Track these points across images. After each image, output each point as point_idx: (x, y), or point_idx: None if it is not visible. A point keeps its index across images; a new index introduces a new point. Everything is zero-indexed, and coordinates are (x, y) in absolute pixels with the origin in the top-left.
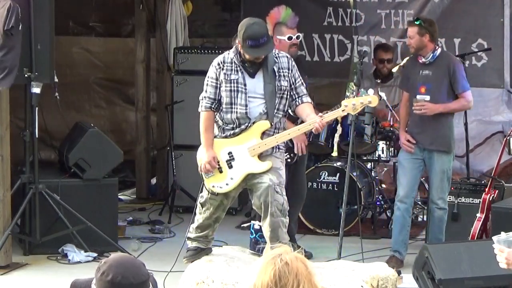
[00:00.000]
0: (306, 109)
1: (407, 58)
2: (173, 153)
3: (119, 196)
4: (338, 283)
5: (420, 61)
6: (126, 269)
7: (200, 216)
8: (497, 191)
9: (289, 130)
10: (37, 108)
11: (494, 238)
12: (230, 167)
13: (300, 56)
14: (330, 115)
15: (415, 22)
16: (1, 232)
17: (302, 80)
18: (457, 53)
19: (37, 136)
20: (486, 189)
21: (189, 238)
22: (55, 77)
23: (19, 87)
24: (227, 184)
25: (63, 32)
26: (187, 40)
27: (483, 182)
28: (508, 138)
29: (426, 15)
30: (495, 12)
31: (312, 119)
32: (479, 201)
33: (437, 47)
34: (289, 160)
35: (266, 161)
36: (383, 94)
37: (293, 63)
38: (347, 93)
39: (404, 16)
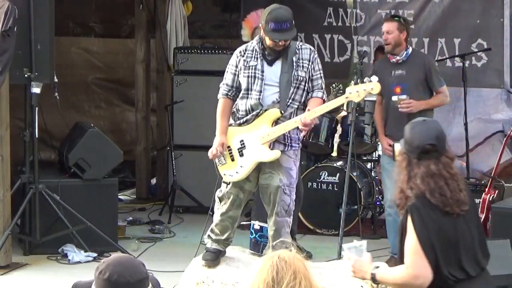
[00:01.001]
0: (310, 105)
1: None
2: (173, 153)
3: (119, 196)
4: (338, 283)
5: (392, 60)
6: (123, 268)
7: (217, 212)
8: (497, 191)
9: (295, 118)
10: (37, 108)
11: (345, 245)
12: (241, 155)
13: None
14: (333, 102)
15: (395, 18)
16: (1, 232)
17: (321, 74)
18: (457, 53)
19: (37, 136)
20: (486, 189)
21: (209, 237)
22: (55, 77)
23: (19, 87)
24: (237, 172)
25: (63, 32)
26: (187, 40)
27: (483, 182)
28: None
29: (427, 15)
30: (495, 12)
31: (301, 116)
32: (479, 201)
33: (408, 46)
34: None
35: (274, 150)
36: None
37: (315, 55)
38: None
39: (405, 16)
